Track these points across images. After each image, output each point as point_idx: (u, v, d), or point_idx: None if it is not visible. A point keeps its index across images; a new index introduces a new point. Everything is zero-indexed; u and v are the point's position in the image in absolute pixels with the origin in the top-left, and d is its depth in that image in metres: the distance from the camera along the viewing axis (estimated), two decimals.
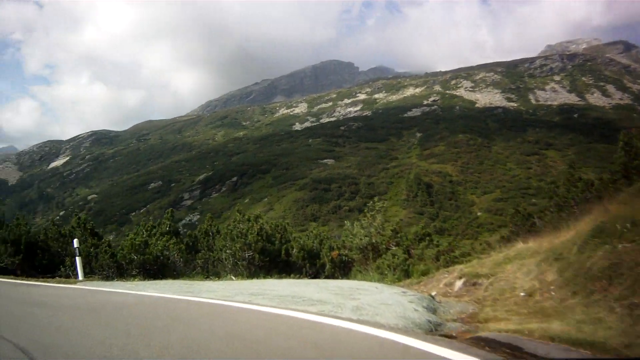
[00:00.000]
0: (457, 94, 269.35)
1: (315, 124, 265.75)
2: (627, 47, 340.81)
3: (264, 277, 18.62)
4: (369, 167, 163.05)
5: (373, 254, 20.98)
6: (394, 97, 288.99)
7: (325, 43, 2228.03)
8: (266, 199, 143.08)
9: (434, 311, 9.56)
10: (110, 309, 11.36)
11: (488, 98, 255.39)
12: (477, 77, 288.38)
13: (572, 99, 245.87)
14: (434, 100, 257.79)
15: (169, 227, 25.49)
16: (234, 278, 19.08)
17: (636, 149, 22.12)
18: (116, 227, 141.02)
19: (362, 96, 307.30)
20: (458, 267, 13.07)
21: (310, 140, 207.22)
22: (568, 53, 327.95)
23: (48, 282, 18.46)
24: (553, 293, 8.98)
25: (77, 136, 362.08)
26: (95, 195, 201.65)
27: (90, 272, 20.49)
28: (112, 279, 19.50)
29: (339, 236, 31.38)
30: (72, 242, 20.21)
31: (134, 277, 19.72)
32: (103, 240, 22.76)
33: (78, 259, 19.25)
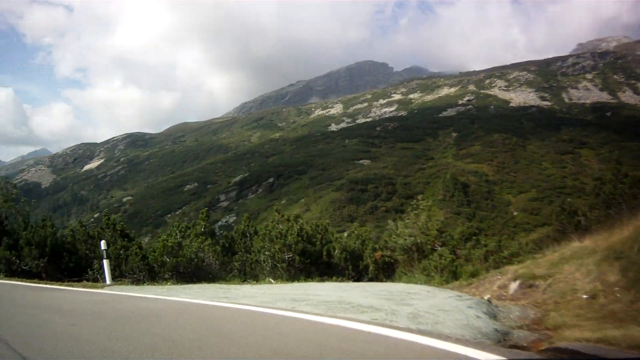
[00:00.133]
0: (492, 93, 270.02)
1: (351, 124, 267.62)
2: None
3: (305, 280, 17.78)
4: (405, 168, 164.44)
5: (418, 254, 19.86)
6: (428, 97, 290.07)
7: (359, 44, 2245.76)
8: (303, 200, 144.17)
9: (494, 317, 8.64)
10: (137, 317, 10.20)
11: (522, 97, 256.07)
12: (511, 77, 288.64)
13: (605, 97, 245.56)
14: (468, 100, 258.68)
15: (204, 228, 24.45)
16: (273, 281, 18.22)
17: None
18: (151, 229, 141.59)
19: (397, 96, 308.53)
20: (511, 267, 12.11)
21: (346, 141, 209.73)
22: (599, 51, 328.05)
23: (73, 286, 17.51)
24: (618, 295, 8.14)
25: (111, 139, 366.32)
26: (130, 198, 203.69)
27: (119, 276, 19.57)
28: (143, 283, 18.60)
29: (376, 237, 30.38)
30: (100, 243, 19.17)
31: (166, 280, 18.82)
32: (134, 241, 21.61)
33: (106, 262, 18.30)
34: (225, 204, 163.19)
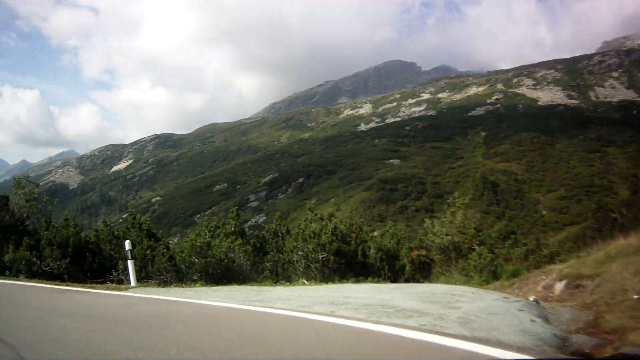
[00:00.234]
0: (520, 92, 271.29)
1: (380, 124, 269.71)
2: None
3: (339, 281, 17.04)
4: (435, 167, 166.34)
5: (455, 254, 19.26)
6: (457, 96, 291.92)
7: (386, 43, 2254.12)
8: (333, 200, 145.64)
9: (547, 320, 8.00)
10: (161, 323, 9.38)
11: (549, 96, 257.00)
12: (538, 75, 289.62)
13: (631, 95, 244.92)
14: (497, 99, 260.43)
15: (234, 227, 23.75)
16: (306, 282, 17.59)
17: None
18: (181, 230, 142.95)
19: (425, 96, 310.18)
20: (555, 267, 11.61)
21: (376, 141, 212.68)
22: (624, 49, 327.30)
23: (95, 288, 17.11)
24: None
25: (139, 140, 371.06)
26: (159, 198, 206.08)
27: (145, 277, 19.02)
28: (170, 285, 17.97)
29: (408, 236, 29.81)
30: (124, 243, 18.54)
31: (194, 282, 18.10)
32: (161, 241, 20.92)
33: (130, 263, 17.65)
34: (254, 204, 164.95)
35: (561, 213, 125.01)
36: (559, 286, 10.04)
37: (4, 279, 20.24)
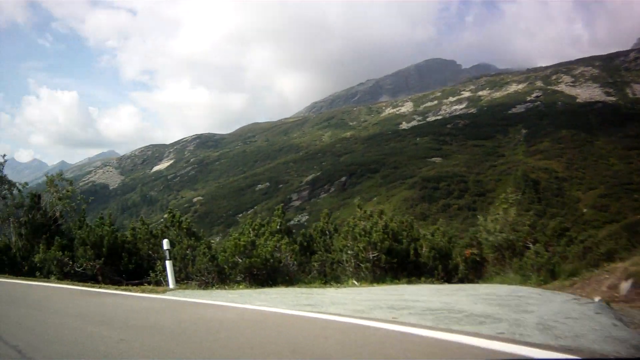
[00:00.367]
0: (559, 89, 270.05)
1: (421, 122, 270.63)
2: None
3: (391, 282, 16.30)
4: (476, 165, 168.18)
5: (509, 252, 18.43)
6: (497, 94, 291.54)
7: (426, 42, 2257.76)
8: (375, 199, 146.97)
9: (625, 324, 7.24)
10: (201, 332, 8.31)
11: (588, 93, 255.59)
12: (577, 72, 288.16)
13: None
14: (536, 96, 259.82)
15: (280, 225, 22.75)
16: (357, 283, 16.74)
17: None
18: (223, 229, 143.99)
19: (466, 94, 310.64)
20: (619, 265, 10.70)
21: (417, 139, 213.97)
22: None
23: (130, 290, 16.23)
24: None
25: (180, 140, 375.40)
26: (201, 198, 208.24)
27: (185, 278, 18.33)
28: (212, 287, 17.19)
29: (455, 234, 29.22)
30: (162, 243, 17.78)
31: (238, 283, 17.35)
32: (202, 240, 20.07)
33: (168, 263, 16.83)
34: (297, 203, 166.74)
35: (601, 211, 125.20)
36: (625, 286, 9.39)
37: (33, 281, 19.66)
